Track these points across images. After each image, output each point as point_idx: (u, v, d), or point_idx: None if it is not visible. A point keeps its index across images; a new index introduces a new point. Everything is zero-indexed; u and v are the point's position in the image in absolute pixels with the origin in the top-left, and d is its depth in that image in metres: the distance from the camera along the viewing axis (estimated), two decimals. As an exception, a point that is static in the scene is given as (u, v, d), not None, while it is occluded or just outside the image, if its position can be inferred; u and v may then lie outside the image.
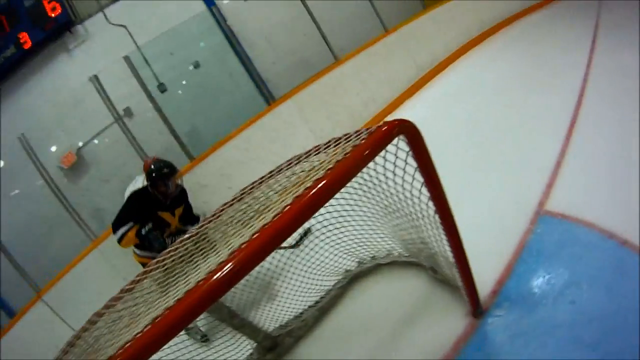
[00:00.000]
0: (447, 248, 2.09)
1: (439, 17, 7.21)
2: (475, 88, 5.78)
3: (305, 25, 6.08)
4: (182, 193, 3.50)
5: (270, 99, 5.77)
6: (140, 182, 3.79)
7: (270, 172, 2.15)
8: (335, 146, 1.69)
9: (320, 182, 1.38)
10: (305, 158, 1.93)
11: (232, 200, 2.17)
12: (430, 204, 1.88)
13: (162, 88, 5.52)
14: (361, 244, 2.92)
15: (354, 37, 6.39)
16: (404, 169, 1.83)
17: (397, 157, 1.77)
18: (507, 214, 3.05)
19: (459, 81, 6.34)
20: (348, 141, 1.62)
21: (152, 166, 3.19)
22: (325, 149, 1.79)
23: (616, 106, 3.76)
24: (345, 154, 1.45)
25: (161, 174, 3.17)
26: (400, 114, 5.75)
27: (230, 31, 5.96)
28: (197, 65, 5.98)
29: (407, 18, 6.90)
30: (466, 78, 6.38)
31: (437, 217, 1.93)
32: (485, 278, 2.50)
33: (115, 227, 3.16)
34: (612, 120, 3.56)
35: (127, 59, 5.09)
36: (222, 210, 2.14)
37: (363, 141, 1.49)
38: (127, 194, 3.69)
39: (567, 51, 5.63)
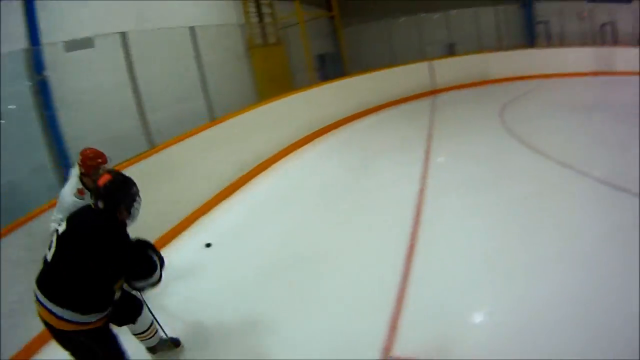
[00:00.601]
0: None
1: (268, 113, 7.28)
2: (300, 193, 5.87)
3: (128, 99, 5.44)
4: None
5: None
6: (75, 178, 3.18)
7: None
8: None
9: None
10: None
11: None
12: None
13: None
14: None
15: (178, 123, 5.91)
16: None
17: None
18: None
19: (283, 183, 6.42)
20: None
21: (128, 180, 2.41)
22: None
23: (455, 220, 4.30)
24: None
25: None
26: (215, 216, 5.46)
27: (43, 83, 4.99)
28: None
29: (239, 109, 6.80)
30: (291, 180, 6.50)
31: None
32: None
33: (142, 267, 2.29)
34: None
35: None
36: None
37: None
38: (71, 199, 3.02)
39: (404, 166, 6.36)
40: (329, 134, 8.73)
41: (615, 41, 16.11)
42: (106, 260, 2.08)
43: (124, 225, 2.30)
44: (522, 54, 15.34)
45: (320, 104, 8.81)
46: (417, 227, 4.22)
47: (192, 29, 6.33)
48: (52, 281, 2.12)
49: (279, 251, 4.17)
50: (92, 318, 2.12)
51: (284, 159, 7.25)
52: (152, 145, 5.22)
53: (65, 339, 2.16)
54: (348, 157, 7.22)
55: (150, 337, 2.77)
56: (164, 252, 3.18)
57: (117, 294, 2.26)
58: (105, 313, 2.21)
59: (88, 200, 2.61)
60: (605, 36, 16.76)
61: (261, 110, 7.10)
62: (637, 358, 2.44)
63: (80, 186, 3.13)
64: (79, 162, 3.19)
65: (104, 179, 2.26)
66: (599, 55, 15.09)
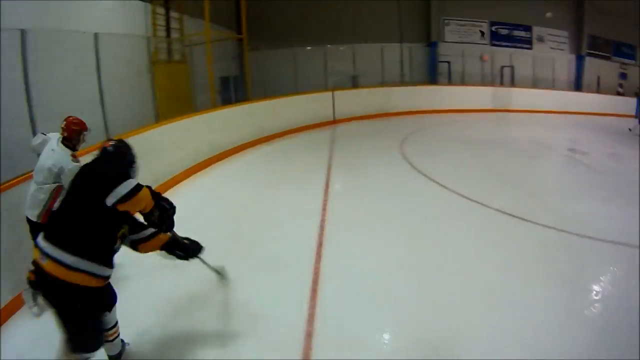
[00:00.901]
0: None
1: (168, 134, 7.03)
2: (199, 222, 5.57)
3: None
4: None
5: None
6: (55, 141, 3.58)
7: None
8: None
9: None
10: None
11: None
12: None
13: None
14: None
15: None
16: None
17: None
18: None
19: (181, 210, 6.15)
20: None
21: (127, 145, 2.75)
22: None
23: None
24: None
25: None
26: None
27: None
28: None
29: (137, 128, 6.48)
30: (189, 207, 6.10)
31: None
32: None
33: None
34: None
35: None
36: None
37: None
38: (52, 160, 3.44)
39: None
40: (229, 158, 8.72)
41: (513, 82, 17.98)
42: (118, 197, 2.26)
43: None
44: (424, 90, 16.23)
45: (221, 128, 8.75)
46: (319, 257, 4.36)
47: (96, 36, 6.08)
48: (61, 228, 2.29)
49: (183, 287, 3.97)
50: (97, 270, 2.26)
51: (182, 183, 7.11)
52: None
53: (62, 296, 2.23)
54: (248, 183, 7.23)
55: (115, 338, 2.76)
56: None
57: (118, 244, 2.44)
58: (108, 273, 2.37)
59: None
60: (504, 78, 18.59)
61: (160, 130, 6.82)
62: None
63: (73, 152, 3.57)
64: (63, 126, 3.59)
65: (108, 143, 2.65)
66: (497, 95, 16.82)
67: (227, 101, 10.85)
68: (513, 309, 3.43)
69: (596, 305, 3.57)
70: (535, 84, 19.54)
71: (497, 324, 3.26)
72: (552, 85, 19.77)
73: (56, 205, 3.19)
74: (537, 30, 20.21)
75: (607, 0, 20.69)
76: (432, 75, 18.29)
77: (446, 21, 18.69)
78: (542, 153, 10.03)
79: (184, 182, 7.16)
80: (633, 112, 20.22)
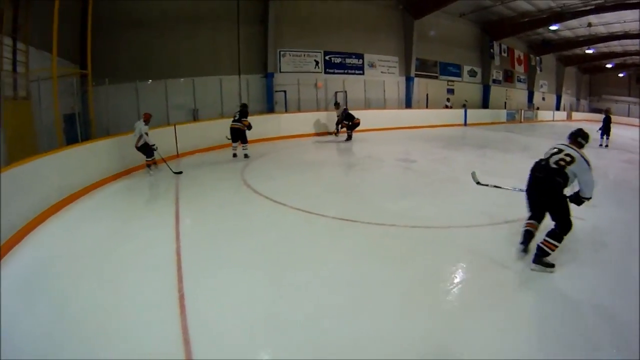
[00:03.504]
0: None
1: (18, 177, 6.87)
2: (60, 265, 5.74)
3: None
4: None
5: None
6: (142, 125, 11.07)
7: None
8: None
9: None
10: None
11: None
12: None
13: None
14: None
15: None
16: None
17: None
18: None
19: (40, 255, 6.16)
20: None
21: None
22: None
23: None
24: None
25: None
26: None
27: None
28: None
29: None
30: (48, 251, 6.30)
31: None
32: None
33: None
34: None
35: None
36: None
37: None
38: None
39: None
40: (80, 199, 8.89)
41: (346, 105, 20.41)
42: None
43: None
44: (262, 119, 17.55)
45: (69, 169, 8.81)
46: (182, 283, 4.76)
47: None
48: None
49: (51, 327, 4.04)
50: None
51: (37, 228, 7.08)
52: None
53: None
54: (102, 222, 7.50)
55: None
56: None
57: None
58: None
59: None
60: (346, 102, 21.33)
61: (10, 173, 6.51)
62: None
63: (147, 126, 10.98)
64: (145, 116, 11.30)
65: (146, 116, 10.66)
66: (331, 119, 19.27)
67: (72, 140, 10.84)
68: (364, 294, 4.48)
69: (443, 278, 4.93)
70: (367, 105, 22.65)
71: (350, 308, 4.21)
72: (383, 105, 23.19)
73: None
74: (368, 58, 23.48)
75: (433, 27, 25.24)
76: (269, 104, 20.04)
77: (282, 53, 20.69)
78: (373, 165, 12.03)
79: (39, 227, 7.17)
80: (461, 122, 24.78)
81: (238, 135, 13.53)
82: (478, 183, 7.07)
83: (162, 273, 5.12)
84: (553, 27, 27.78)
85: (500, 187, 7.13)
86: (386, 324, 3.95)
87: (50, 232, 7.11)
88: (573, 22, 27.95)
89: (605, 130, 17.56)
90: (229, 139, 13.77)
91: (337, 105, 19.01)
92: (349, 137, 18.09)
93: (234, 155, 13.71)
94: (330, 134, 19.28)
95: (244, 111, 13.57)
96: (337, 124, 18.60)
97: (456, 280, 4.90)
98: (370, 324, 3.93)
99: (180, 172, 11.19)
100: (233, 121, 13.54)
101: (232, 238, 6.42)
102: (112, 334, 3.87)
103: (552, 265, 5.01)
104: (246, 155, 13.59)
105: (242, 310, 4.23)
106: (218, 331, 3.84)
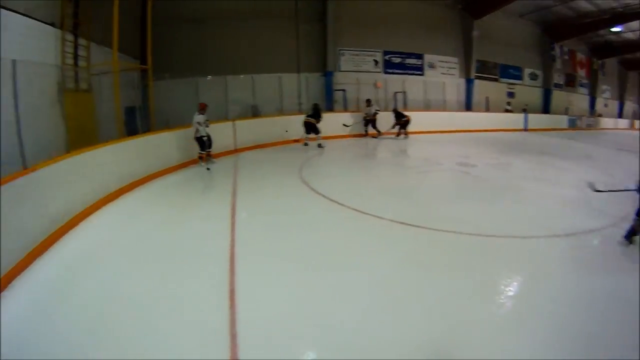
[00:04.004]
0: None
1: (79, 164, 7.19)
2: (113, 250, 5.92)
3: None
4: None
5: None
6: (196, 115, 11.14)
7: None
8: None
9: None
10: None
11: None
12: None
13: None
14: None
15: None
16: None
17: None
18: None
19: (95, 239, 6.34)
20: None
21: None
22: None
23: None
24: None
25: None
26: (28, 277, 5.01)
27: None
28: None
29: (49, 159, 6.58)
30: (103, 236, 6.50)
31: None
32: None
33: None
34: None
35: None
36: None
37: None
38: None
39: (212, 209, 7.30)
40: (138, 188, 9.03)
41: (405, 106, 19.86)
42: None
43: None
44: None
45: (128, 159, 9.00)
46: (234, 276, 4.76)
47: (14, 63, 6.05)
48: None
49: (95, 312, 4.12)
50: None
51: (95, 214, 7.26)
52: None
53: None
54: (158, 212, 7.60)
55: None
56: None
57: None
58: None
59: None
60: (397, 102, 20.56)
61: (71, 161, 6.92)
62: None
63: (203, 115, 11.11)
64: (200, 105, 11.32)
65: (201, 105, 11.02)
66: (390, 119, 18.38)
67: (132, 131, 11.14)
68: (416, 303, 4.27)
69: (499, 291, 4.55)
70: (427, 107, 21.85)
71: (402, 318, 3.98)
72: (443, 107, 22.28)
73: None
74: (428, 58, 22.55)
75: (493, 28, 23.89)
76: (328, 103, 19.59)
77: (341, 52, 20.21)
78: (431, 168, 11.54)
79: (96, 212, 7.36)
80: (521, 126, 23.49)
81: (310, 128, 15.14)
82: (596, 190, 6.28)
83: (214, 265, 5.13)
84: (615, 29, 26.31)
85: (615, 190, 6.43)
86: (431, 334, 3.75)
87: (106, 218, 7.27)
88: (636, 24, 25.92)
89: None
90: (286, 132, 15.28)
91: (368, 102, 18.46)
92: (405, 135, 17.94)
93: (306, 144, 15.43)
94: (367, 135, 18.69)
95: (316, 109, 15.40)
96: (366, 123, 18.27)
97: (509, 294, 4.52)
98: (415, 333, 3.76)
99: (209, 168, 11.34)
100: (307, 116, 15.29)
101: (286, 233, 6.37)
102: (157, 322, 3.95)
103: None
104: (320, 145, 14.98)
105: (290, 308, 4.17)
106: (265, 328, 3.80)
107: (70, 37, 10.20)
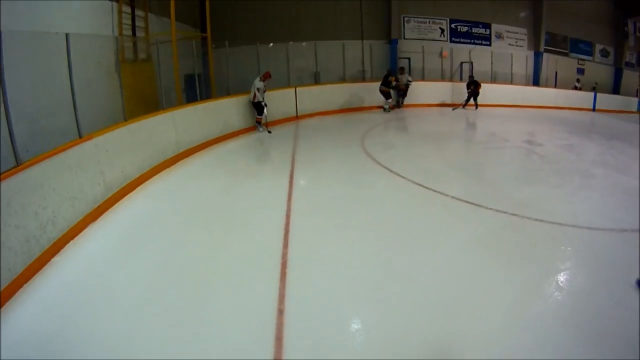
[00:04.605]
0: None
1: (136, 132, 7.27)
2: (169, 216, 5.95)
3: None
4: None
5: None
6: (257, 81, 11.21)
7: None
8: None
9: None
10: None
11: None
12: None
13: None
14: None
15: (44, 138, 5.80)
16: None
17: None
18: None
19: (151, 205, 6.43)
20: None
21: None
22: None
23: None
24: None
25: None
26: (83, 241, 5.16)
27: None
28: None
29: (106, 127, 6.63)
30: (159, 202, 6.57)
31: None
32: None
33: None
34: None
35: None
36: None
37: None
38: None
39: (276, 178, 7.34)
40: (195, 155, 9.10)
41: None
42: None
43: None
44: None
45: (187, 125, 9.07)
46: (287, 247, 4.69)
47: (67, 37, 6.06)
48: None
49: (155, 276, 4.21)
50: None
51: (151, 180, 7.35)
52: (18, 163, 4.78)
53: None
54: (215, 179, 7.63)
55: None
56: (28, 285, 3.94)
57: None
58: None
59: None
60: (463, 73, 19.40)
61: (128, 128, 7.02)
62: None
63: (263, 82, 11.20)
64: (262, 75, 11.26)
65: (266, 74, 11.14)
66: (456, 90, 17.63)
67: (192, 99, 11.15)
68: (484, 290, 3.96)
69: (557, 285, 4.08)
70: (494, 79, 20.46)
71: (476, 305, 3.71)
72: (510, 80, 20.71)
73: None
74: (495, 28, 21.03)
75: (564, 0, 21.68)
76: (393, 71, 18.79)
77: (406, 19, 19.28)
78: (498, 145, 10.87)
79: (153, 178, 7.47)
80: (590, 106, 21.67)
81: (385, 95, 15.49)
82: None
83: (268, 235, 5.08)
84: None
85: None
86: (488, 327, 3.42)
87: (163, 184, 7.33)
88: None
89: None
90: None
91: (402, 70, 17.24)
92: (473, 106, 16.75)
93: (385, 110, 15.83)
94: (458, 106, 17.44)
95: (386, 76, 15.47)
96: (399, 93, 16.99)
97: (572, 290, 4.05)
98: (472, 325, 3.43)
99: (270, 132, 11.59)
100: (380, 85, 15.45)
101: (345, 207, 6.15)
102: (209, 292, 3.95)
103: None
104: (385, 109, 15.61)
105: (343, 287, 4.00)
106: (314, 306, 3.67)
107: (127, 9, 10.31)
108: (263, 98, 11.18)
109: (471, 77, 17.29)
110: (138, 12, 10.68)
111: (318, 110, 14.70)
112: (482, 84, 16.80)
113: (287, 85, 14.51)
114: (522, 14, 21.65)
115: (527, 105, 19.15)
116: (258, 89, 11.04)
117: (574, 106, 21.35)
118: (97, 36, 8.46)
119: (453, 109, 16.98)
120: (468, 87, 16.82)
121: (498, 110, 17.79)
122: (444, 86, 18.45)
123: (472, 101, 16.88)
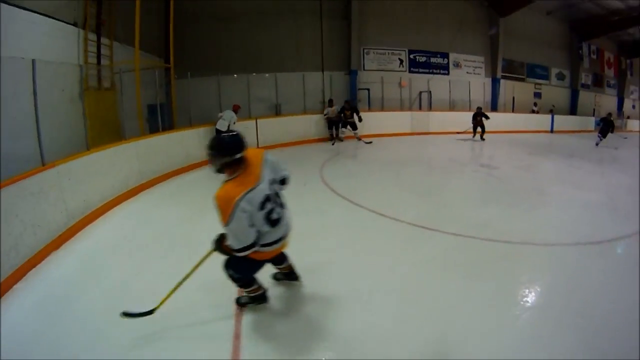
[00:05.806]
0: None
1: (99, 161, 7.31)
2: (130, 244, 5.95)
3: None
4: None
5: None
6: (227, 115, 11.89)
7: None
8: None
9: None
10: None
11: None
12: None
13: None
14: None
15: (4, 166, 5.71)
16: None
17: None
18: None
19: (112, 234, 6.38)
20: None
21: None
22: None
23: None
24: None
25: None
26: (45, 268, 5.17)
27: None
28: None
29: (69, 155, 6.67)
30: (122, 230, 6.56)
31: None
32: None
33: None
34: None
35: None
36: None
37: None
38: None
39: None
40: (157, 185, 9.10)
41: (430, 106, 19.51)
42: None
43: None
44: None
45: (149, 155, 9.09)
46: None
47: (33, 62, 6.15)
48: None
49: (113, 306, 3.98)
50: None
51: (114, 209, 7.35)
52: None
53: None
54: (177, 208, 7.49)
55: None
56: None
57: None
58: None
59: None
60: (422, 102, 20.13)
61: (91, 157, 7.03)
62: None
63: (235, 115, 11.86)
64: (234, 106, 12.25)
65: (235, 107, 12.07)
66: (415, 118, 18.31)
67: (154, 128, 11.17)
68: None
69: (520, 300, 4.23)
70: (452, 106, 21.37)
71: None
72: (469, 107, 21.59)
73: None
74: (453, 57, 21.97)
75: (520, 26, 23.28)
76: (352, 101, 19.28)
77: (366, 50, 19.95)
78: (455, 169, 11.29)
79: (115, 208, 7.43)
80: (548, 128, 22.80)
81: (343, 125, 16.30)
82: None
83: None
84: (645, 28, 24.90)
85: None
86: (446, 344, 3.51)
87: (124, 214, 7.32)
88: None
89: None
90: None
91: (330, 103, 16.84)
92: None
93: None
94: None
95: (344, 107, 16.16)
96: (342, 125, 16.57)
97: (528, 305, 4.16)
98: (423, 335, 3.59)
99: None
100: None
101: (305, 234, 5.77)
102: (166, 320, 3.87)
103: None
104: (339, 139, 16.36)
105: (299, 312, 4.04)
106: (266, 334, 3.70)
107: (93, 36, 10.32)
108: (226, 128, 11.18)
109: (479, 108, 17.91)
110: (104, 40, 10.70)
111: (279, 142, 14.94)
112: (484, 115, 17.60)
113: (248, 116, 14.76)
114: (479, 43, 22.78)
115: (487, 131, 19.82)
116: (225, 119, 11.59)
117: (532, 129, 22.48)
118: (63, 63, 8.45)
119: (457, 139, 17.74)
120: (474, 118, 17.44)
121: (457, 136, 18.53)
122: (403, 115, 19.10)
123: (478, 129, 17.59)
